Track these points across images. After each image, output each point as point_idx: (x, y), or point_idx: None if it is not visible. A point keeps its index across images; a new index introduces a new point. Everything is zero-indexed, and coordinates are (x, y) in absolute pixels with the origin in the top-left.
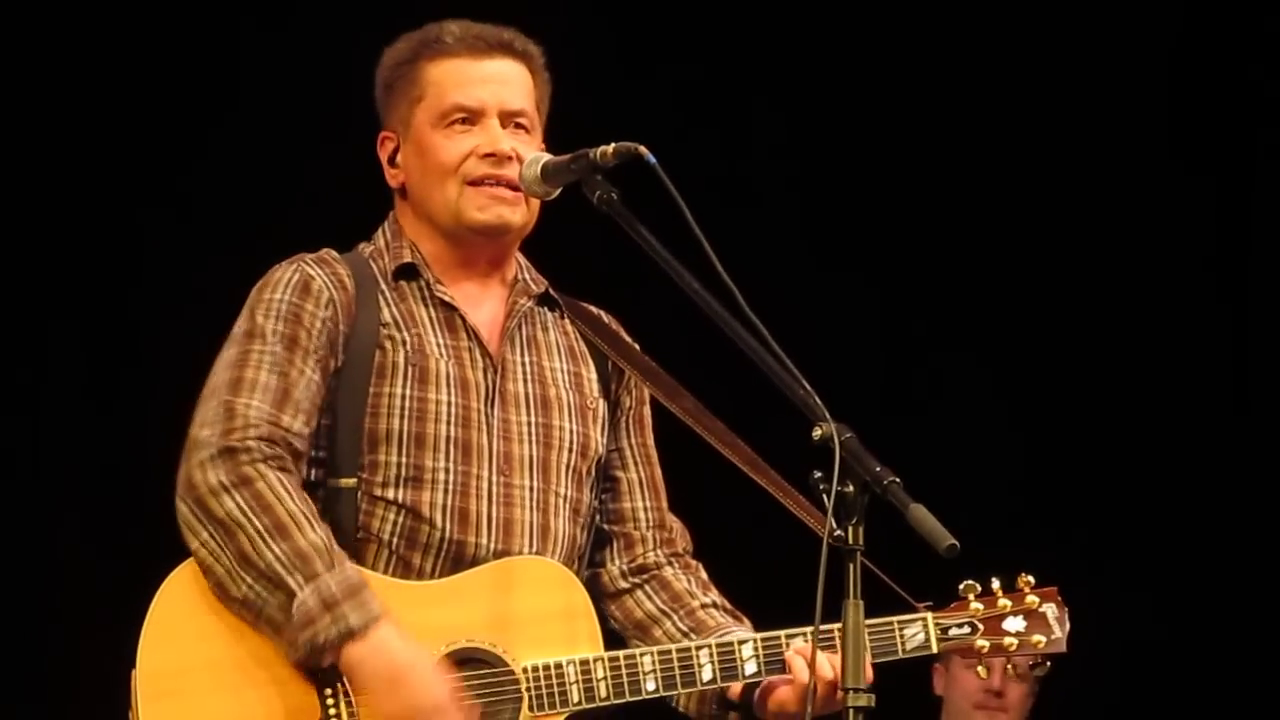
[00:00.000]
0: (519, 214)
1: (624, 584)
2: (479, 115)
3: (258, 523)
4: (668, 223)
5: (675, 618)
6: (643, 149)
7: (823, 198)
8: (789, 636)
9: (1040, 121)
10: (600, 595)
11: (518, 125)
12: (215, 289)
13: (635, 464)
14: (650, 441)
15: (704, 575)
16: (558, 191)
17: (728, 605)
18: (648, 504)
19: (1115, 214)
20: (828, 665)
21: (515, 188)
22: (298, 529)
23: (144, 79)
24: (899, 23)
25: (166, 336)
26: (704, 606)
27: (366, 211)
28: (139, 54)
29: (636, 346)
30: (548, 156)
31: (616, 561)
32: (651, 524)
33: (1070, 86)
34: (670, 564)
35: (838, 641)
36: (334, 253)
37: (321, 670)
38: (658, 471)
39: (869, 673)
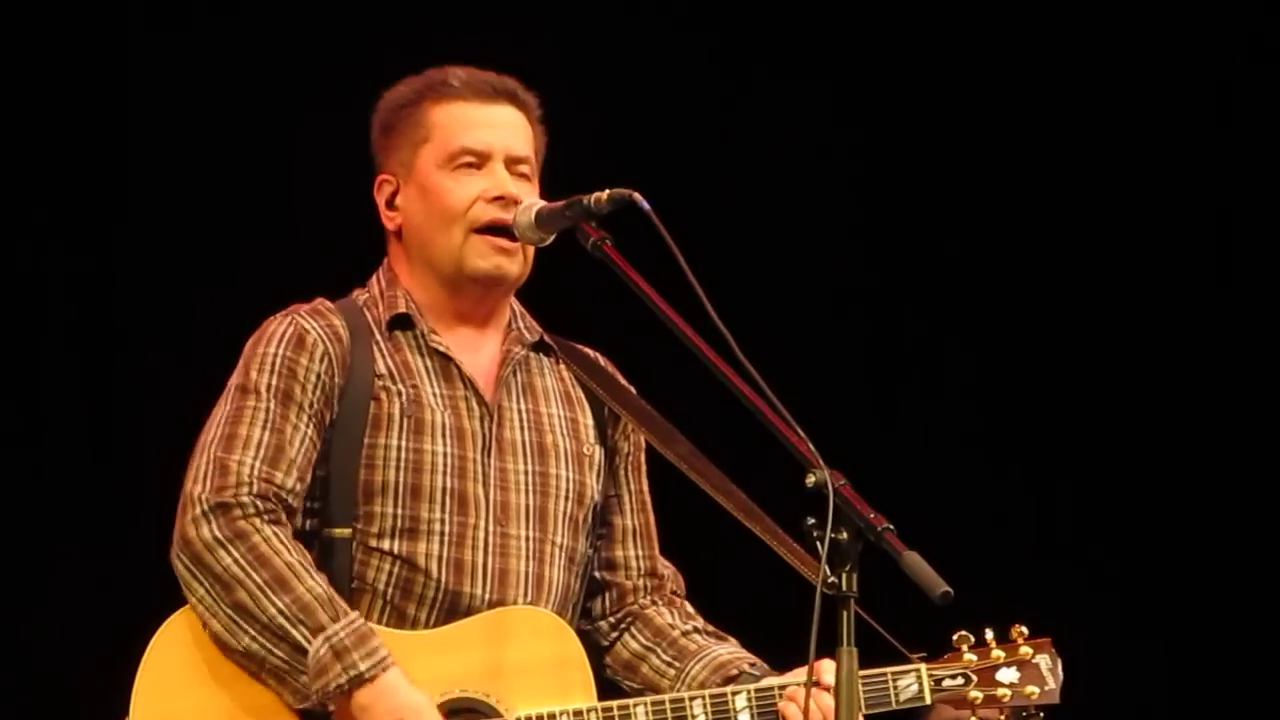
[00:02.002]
0: (516, 264)
1: (614, 635)
2: (485, 159)
3: (257, 577)
4: (663, 268)
5: (659, 651)
6: (636, 195)
7: (818, 234)
8: (781, 688)
9: (1030, 146)
10: (594, 649)
11: (520, 173)
12: (214, 333)
13: (631, 511)
14: (645, 488)
15: (689, 608)
16: (552, 238)
17: (710, 628)
18: (641, 552)
19: (1112, 240)
20: (819, 709)
21: (514, 237)
22: (297, 580)
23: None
24: (891, 63)
25: (165, 378)
26: (685, 634)
27: (364, 254)
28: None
29: (632, 389)
30: (541, 203)
31: (607, 616)
32: (643, 572)
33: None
34: (655, 604)
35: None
36: (328, 302)
37: (317, 717)
38: (651, 518)
39: None
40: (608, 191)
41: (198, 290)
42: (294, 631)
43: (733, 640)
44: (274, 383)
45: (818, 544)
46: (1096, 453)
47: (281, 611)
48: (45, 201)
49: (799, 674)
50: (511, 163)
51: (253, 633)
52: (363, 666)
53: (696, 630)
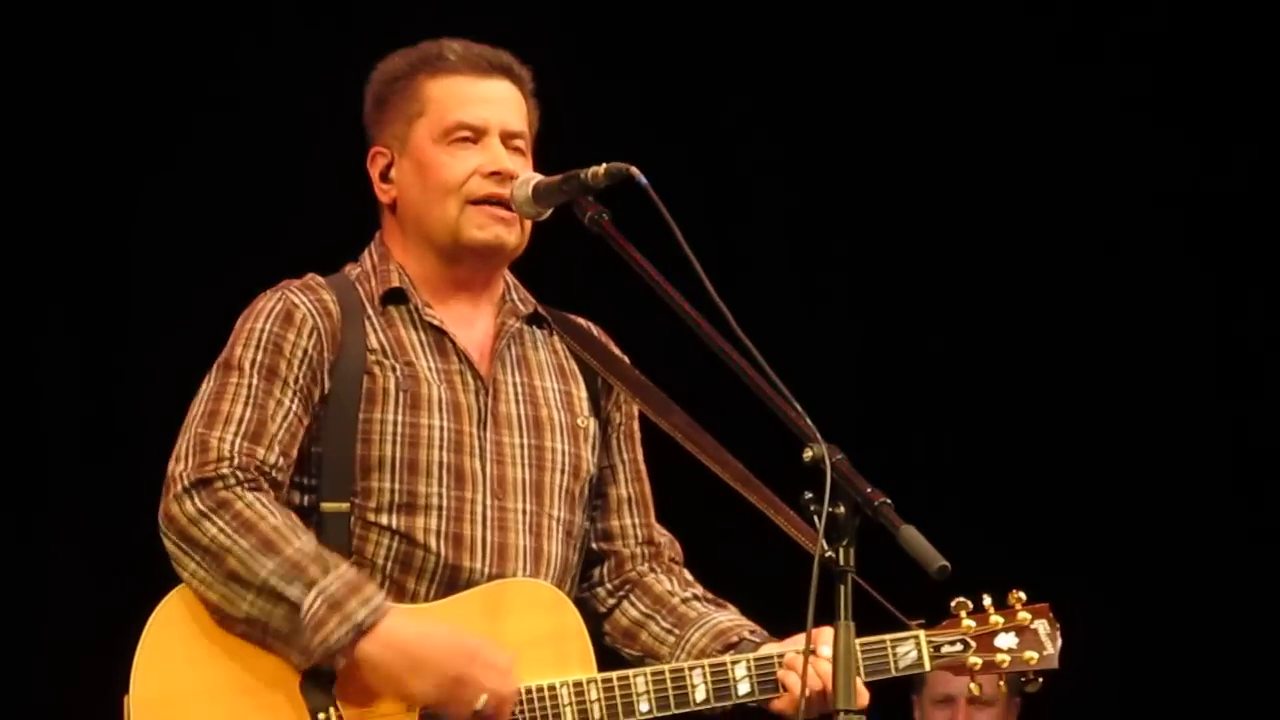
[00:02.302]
0: (514, 235)
1: (611, 601)
2: (481, 134)
3: (244, 543)
4: (660, 243)
5: (658, 618)
6: (634, 169)
7: (811, 215)
8: (780, 656)
9: (1017, 167)
10: (592, 617)
11: (515, 147)
12: (210, 313)
13: (625, 481)
14: (640, 457)
15: (687, 575)
16: (549, 212)
17: (709, 595)
18: (637, 520)
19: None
20: (818, 676)
21: (510, 208)
22: (285, 541)
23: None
24: (883, 57)
25: (162, 362)
26: (685, 601)
27: (356, 228)
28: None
29: (626, 359)
30: (539, 177)
31: (605, 583)
32: (640, 540)
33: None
34: (653, 571)
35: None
36: (319, 278)
37: (315, 692)
38: (647, 487)
39: (862, 693)
40: (605, 166)
41: (197, 289)
42: (289, 591)
43: (731, 607)
44: (258, 358)
45: (815, 518)
46: (1058, 437)
47: (273, 573)
48: (49, 195)
49: (797, 641)
50: (507, 137)
51: (250, 597)
52: (360, 615)
53: (695, 597)
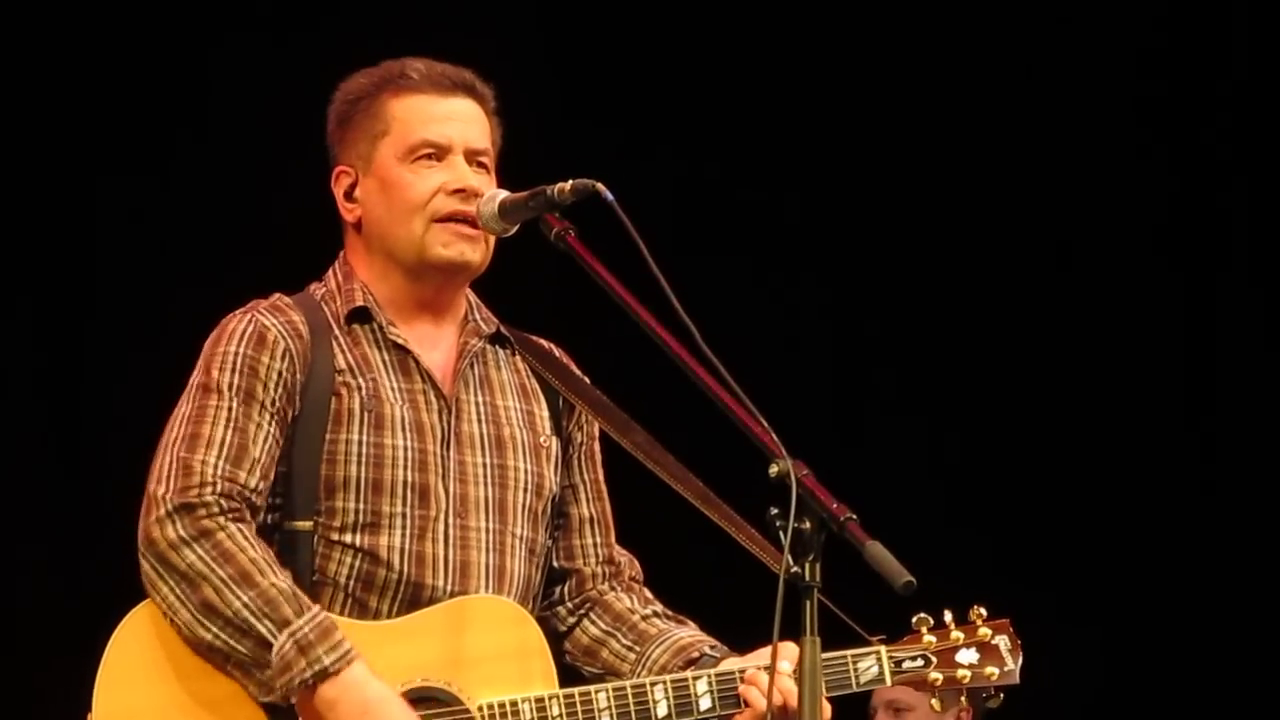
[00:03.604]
0: (479, 252)
1: (572, 619)
2: (446, 152)
3: (221, 573)
4: (626, 260)
5: (619, 636)
6: (600, 186)
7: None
8: (741, 671)
9: (992, 166)
10: (553, 635)
11: (480, 164)
12: (177, 330)
13: (586, 500)
14: (601, 476)
15: (647, 593)
16: (515, 228)
17: (669, 612)
18: (598, 540)
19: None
20: (779, 692)
21: (476, 225)
22: (261, 575)
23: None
24: (855, 67)
25: (130, 376)
26: (645, 618)
27: (322, 247)
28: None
29: (587, 379)
30: (505, 193)
31: (566, 601)
32: (601, 559)
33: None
34: (614, 589)
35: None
36: (286, 298)
37: (279, 712)
38: (607, 507)
39: (827, 710)
40: (571, 182)
41: (168, 291)
42: (259, 626)
43: (691, 624)
44: (236, 381)
45: (780, 534)
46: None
47: (246, 605)
48: (11, 202)
49: (758, 656)
50: (471, 155)
51: (215, 629)
52: (327, 661)
53: (656, 614)
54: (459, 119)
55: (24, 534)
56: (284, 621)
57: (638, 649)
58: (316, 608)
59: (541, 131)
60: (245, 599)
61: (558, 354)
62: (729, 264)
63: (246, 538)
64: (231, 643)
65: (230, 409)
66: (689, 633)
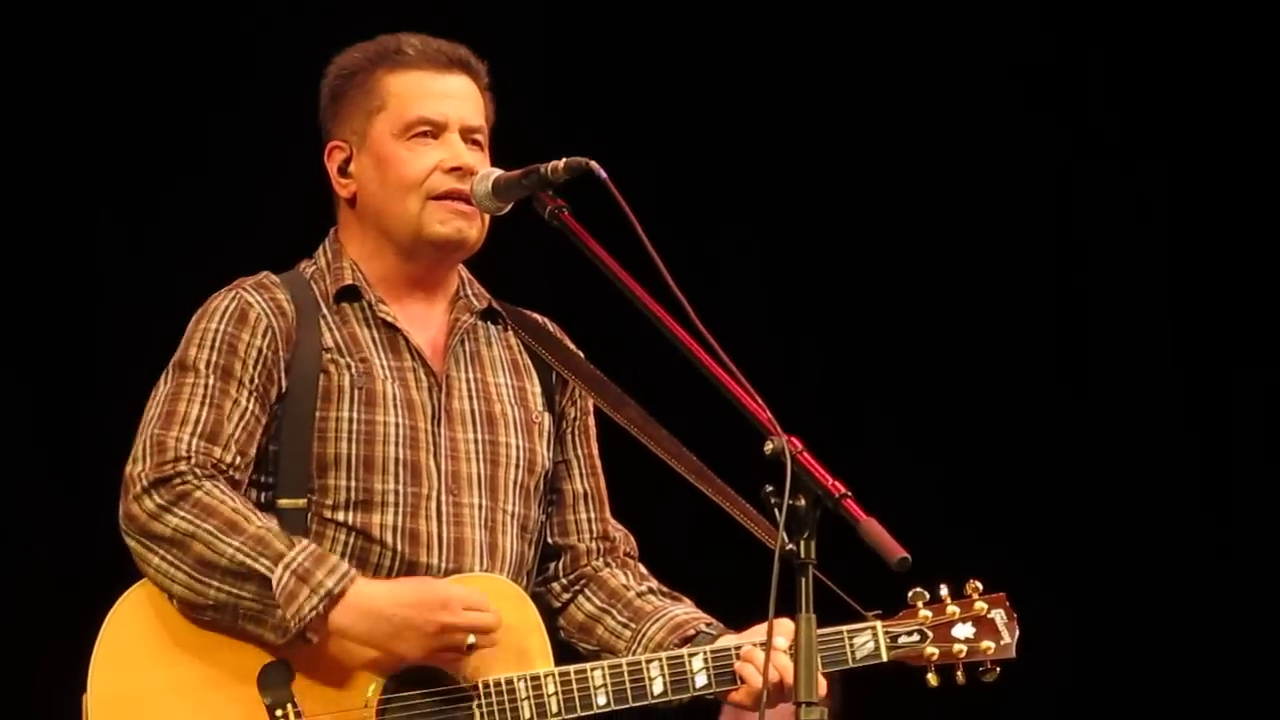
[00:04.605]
0: (475, 229)
1: (566, 596)
2: (441, 129)
3: (208, 525)
4: (620, 237)
5: (614, 612)
6: (593, 163)
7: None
8: (737, 648)
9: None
10: (547, 611)
11: (474, 141)
12: (172, 311)
13: (580, 476)
14: (595, 452)
15: (642, 569)
16: (509, 207)
17: (664, 589)
18: (592, 515)
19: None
20: (775, 668)
21: (471, 202)
22: (247, 522)
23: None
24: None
25: (123, 356)
26: (640, 595)
27: (317, 225)
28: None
29: (581, 354)
30: (499, 171)
31: (560, 578)
32: (595, 535)
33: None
34: (609, 565)
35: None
36: (273, 276)
37: (272, 688)
38: (602, 482)
39: (822, 685)
40: (564, 160)
41: (168, 289)
42: (256, 565)
43: (687, 600)
44: (213, 358)
45: (776, 511)
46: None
47: (239, 549)
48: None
49: (754, 632)
50: (466, 132)
51: (216, 583)
52: (330, 583)
53: (651, 591)
54: (455, 96)
55: (20, 516)
56: (278, 555)
57: (633, 626)
58: (306, 539)
59: (535, 112)
60: (237, 544)
61: (551, 328)
62: (723, 242)
63: (224, 491)
64: (236, 591)
65: (207, 386)
66: (684, 610)
